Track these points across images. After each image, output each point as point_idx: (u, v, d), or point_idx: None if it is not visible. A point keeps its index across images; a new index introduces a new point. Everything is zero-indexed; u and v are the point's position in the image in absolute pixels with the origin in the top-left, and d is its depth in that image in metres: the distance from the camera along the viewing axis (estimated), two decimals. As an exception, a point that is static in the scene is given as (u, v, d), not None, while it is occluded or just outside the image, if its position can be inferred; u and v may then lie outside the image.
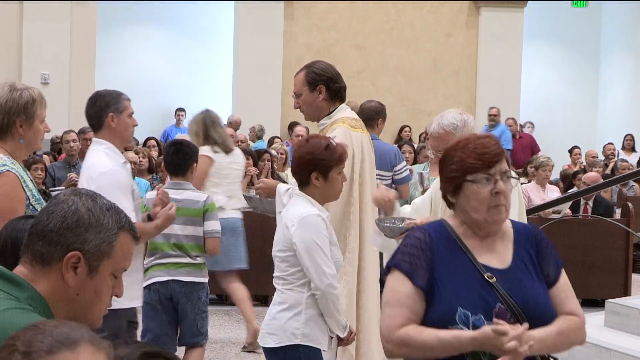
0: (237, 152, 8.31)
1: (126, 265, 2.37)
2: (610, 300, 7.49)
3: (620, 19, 20.24)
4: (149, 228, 5.01)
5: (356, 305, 5.12)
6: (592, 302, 10.59)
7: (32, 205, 4.09)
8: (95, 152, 5.01)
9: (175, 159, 6.28)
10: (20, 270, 2.32)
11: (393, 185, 7.77)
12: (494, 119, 16.30)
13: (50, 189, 9.03)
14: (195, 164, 6.34)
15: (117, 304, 4.80)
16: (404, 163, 7.82)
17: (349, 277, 5.09)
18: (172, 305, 6.17)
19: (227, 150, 8.05)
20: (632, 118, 19.36)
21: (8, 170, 4.04)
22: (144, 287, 5.95)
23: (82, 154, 10.77)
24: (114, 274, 2.35)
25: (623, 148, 17.42)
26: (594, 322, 7.40)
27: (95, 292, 2.32)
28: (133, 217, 4.62)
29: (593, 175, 11.86)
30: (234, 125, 15.09)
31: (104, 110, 4.99)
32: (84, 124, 13.22)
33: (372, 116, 7.82)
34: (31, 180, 4.23)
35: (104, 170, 4.87)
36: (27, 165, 9.98)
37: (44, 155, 11.81)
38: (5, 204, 4.01)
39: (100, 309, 2.35)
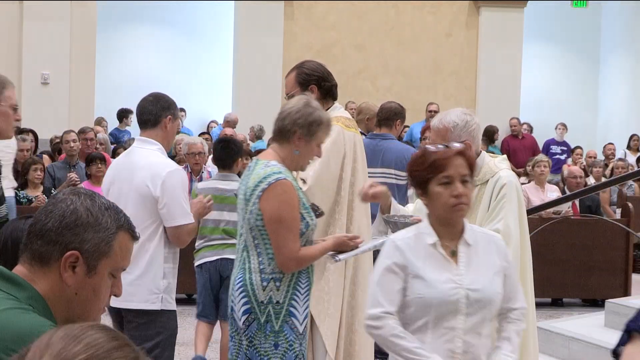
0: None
1: (125, 264, 2.37)
2: (610, 300, 7.49)
3: (620, 19, 20.24)
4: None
5: (349, 305, 5.11)
6: (592, 302, 10.60)
7: (300, 211, 4.21)
8: (152, 151, 5.04)
9: (223, 154, 7.20)
10: (19, 269, 2.32)
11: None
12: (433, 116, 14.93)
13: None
14: (240, 159, 7.25)
15: (171, 304, 5.08)
16: None
17: (338, 276, 5.07)
18: (219, 282, 7.03)
19: None
20: (632, 118, 19.35)
21: (285, 178, 4.17)
22: (196, 266, 7.08)
23: (82, 154, 10.77)
24: (113, 274, 2.34)
25: (629, 148, 17.39)
26: (594, 322, 7.41)
27: (94, 292, 2.32)
28: (190, 217, 4.95)
29: (575, 169, 11.99)
30: (231, 124, 15.07)
31: (165, 111, 5.06)
32: (84, 123, 13.27)
33: (390, 116, 7.81)
34: (299, 189, 4.34)
35: (172, 169, 5.00)
36: (27, 165, 9.95)
37: (44, 155, 11.80)
38: (289, 212, 4.16)
39: (98, 309, 2.35)
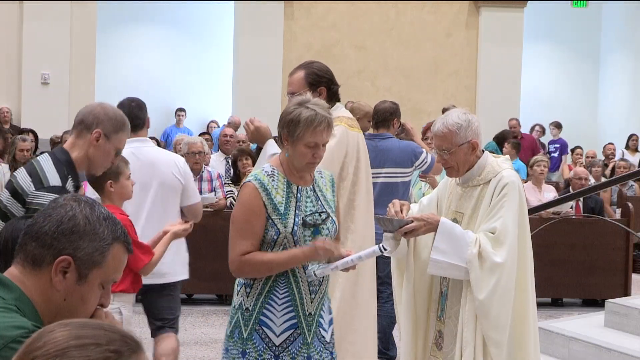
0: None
1: (116, 276, 2.35)
2: (610, 300, 7.48)
3: (620, 19, 20.24)
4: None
5: (350, 306, 5.09)
6: (592, 302, 10.60)
7: (270, 217, 4.12)
8: (155, 147, 6.01)
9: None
10: (11, 271, 2.32)
11: (419, 175, 8.34)
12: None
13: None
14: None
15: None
16: (424, 152, 7.79)
17: (343, 273, 5.03)
18: None
19: None
20: (632, 118, 19.36)
21: (250, 182, 4.18)
22: None
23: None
24: (103, 285, 2.33)
25: (627, 148, 17.41)
26: (594, 322, 7.40)
27: (82, 300, 2.31)
28: (198, 197, 6.02)
29: (580, 170, 11.96)
30: (233, 126, 15.11)
31: (146, 113, 5.95)
32: (84, 124, 13.25)
33: (387, 117, 7.81)
34: (285, 194, 4.17)
35: (182, 158, 6.11)
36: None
37: (44, 155, 11.80)
38: (241, 214, 4.17)
39: (85, 317, 2.33)
